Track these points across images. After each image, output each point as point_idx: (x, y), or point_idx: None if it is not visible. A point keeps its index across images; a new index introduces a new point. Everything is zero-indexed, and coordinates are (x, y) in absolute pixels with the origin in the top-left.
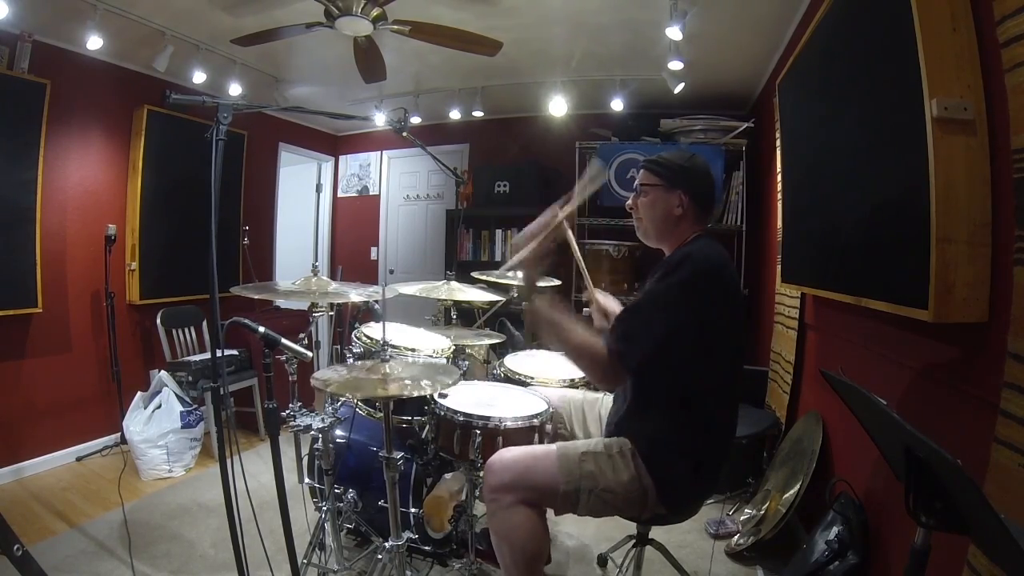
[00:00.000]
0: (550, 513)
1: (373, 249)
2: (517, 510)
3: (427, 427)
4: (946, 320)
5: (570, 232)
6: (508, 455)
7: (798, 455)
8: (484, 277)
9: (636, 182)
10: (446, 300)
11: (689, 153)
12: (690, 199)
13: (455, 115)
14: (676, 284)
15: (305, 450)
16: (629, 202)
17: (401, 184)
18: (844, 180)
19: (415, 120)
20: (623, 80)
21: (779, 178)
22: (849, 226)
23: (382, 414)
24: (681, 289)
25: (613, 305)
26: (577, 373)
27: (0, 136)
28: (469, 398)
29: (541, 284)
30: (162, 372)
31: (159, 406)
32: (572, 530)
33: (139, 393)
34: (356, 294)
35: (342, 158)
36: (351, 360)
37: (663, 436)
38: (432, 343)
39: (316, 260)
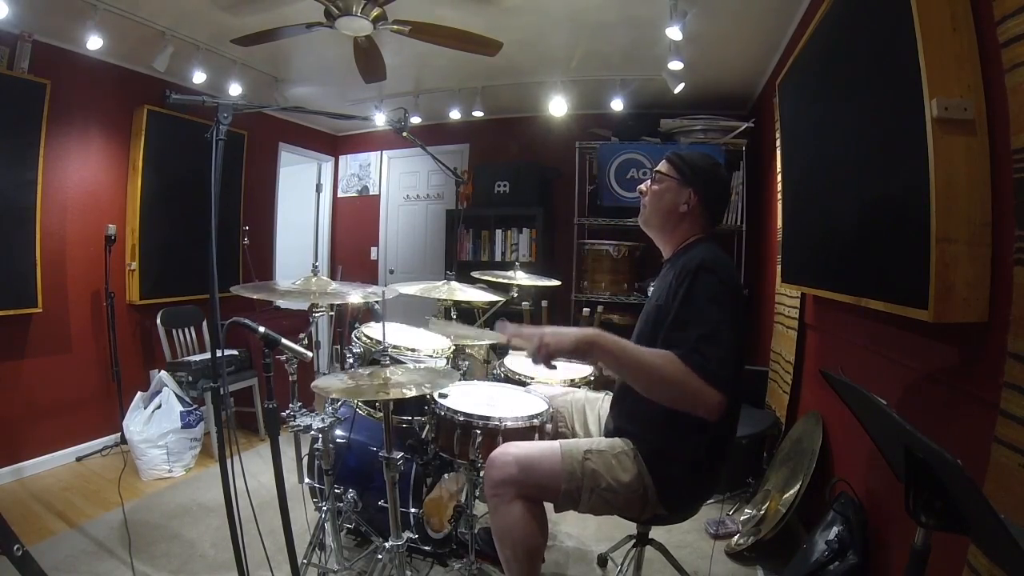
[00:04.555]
0: (549, 511)
1: (373, 249)
2: (518, 504)
3: (427, 427)
4: (946, 320)
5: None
6: (511, 450)
7: (798, 455)
8: None
9: (655, 168)
10: (446, 300)
11: (715, 160)
12: (699, 201)
13: (455, 115)
14: (705, 286)
15: (305, 450)
16: (642, 186)
17: (401, 184)
18: (844, 180)
19: (415, 120)
20: (623, 80)
21: (779, 178)
22: (849, 226)
23: (382, 414)
24: (715, 289)
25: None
26: (577, 373)
27: (0, 136)
28: (469, 398)
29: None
30: (162, 372)
31: (159, 406)
32: (572, 530)
33: (139, 393)
34: (356, 295)
35: (342, 158)
36: (351, 361)
37: (664, 437)
38: (432, 343)
39: (316, 260)
